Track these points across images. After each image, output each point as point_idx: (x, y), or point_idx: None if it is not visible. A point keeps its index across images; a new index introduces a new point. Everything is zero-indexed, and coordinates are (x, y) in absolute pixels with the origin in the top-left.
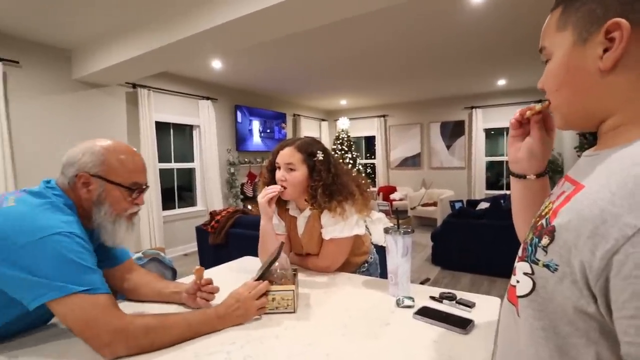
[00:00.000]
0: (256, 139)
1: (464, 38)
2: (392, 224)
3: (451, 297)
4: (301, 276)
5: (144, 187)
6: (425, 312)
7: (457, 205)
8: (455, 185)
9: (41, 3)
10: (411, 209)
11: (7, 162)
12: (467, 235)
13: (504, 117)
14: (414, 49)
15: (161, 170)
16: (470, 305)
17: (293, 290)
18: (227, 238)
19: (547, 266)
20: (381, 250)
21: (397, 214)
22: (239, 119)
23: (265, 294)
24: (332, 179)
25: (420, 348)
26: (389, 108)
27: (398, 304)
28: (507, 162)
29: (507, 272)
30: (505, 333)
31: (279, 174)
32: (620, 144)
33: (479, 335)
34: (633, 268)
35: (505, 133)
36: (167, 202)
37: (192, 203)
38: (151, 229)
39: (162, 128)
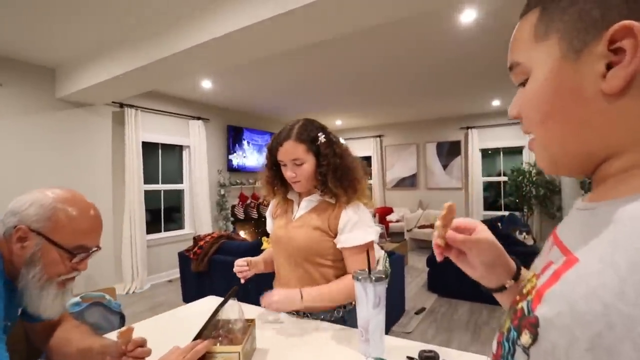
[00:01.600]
0: (249, 160)
1: (458, 59)
2: (383, 251)
3: (433, 358)
4: (262, 325)
5: (92, 250)
6: None
7: None
8: None
9: (23, 21)
10: (407, 231)
11: None
12: None
13: (500, 136)
14: (410, 69)
15: (147, 192)
16: None
17: (239, 352)
18: (210, 265)
19: None
20: None
21: (368, 255)
22: (232, 140)
23: (207, 357)
24: (340, 160)
25: None
26: (384, 128)
27: None
28: (504, 182)
29: None
30: None
31: (287, 173)
32: (626, 195)
33: None
34: None
35: (502, 153)
36: (154, 224)
37: (180, 226)
38: (133, 254)
39: (150, 148)
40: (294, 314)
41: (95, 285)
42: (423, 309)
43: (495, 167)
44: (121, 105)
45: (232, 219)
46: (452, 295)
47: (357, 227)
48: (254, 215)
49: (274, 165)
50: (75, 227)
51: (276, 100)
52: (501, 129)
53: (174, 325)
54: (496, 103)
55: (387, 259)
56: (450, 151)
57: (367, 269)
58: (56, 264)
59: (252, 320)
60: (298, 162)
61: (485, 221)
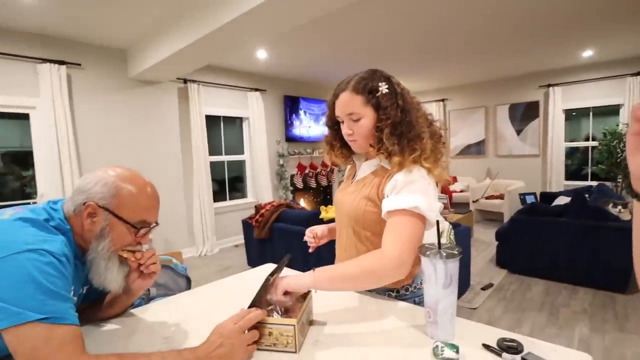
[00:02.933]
0: (306, 130)
1: (540, 3)
2: (448, 223)
3: (515, 349)
4: (318, 299)
5: (152, 226)
6: None
7: (529, 198)
8: (526, 176)
9: (91, 6)
10: (473, 201)
11: (73, 159)
12: (541, 235)
13: (590, 94)
14: (477, 21)
15: (212, 163)
16: None
17: (294, 325)
18: (271, 232)
19: None
20: None
21: (438, 228)
22: (288, 110)
23: (260, 326)
24: (402, 115)
25: None
26: (449, 91)
27: (435, 354)
28: (593, 148)
29: (592, 280)
30: None
31: (344, 130)
32: None
33: None
34: None
35: (591, 113)
36: (220, 193)
37: (243, 195)
38: (203, 221)
39: (212, 121)
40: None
41: (172, 247)
42: (490, 285)
43: (581, 131)
44: (185, 81)
45: (291, 188)
46: (525, 273)
47: (404, 190)
48: (313, 184)
49: (334, 123)
50: (137, 204)
51: (332, 66)
52: (591, 86)
53: (237, 289)
54: (588, 54)
55: (452, 231)
56: (525, 114)
57: (436, 243)
58: (123, 237)
59: (309, 292)
60: (354, 116)
61: (568, 191)
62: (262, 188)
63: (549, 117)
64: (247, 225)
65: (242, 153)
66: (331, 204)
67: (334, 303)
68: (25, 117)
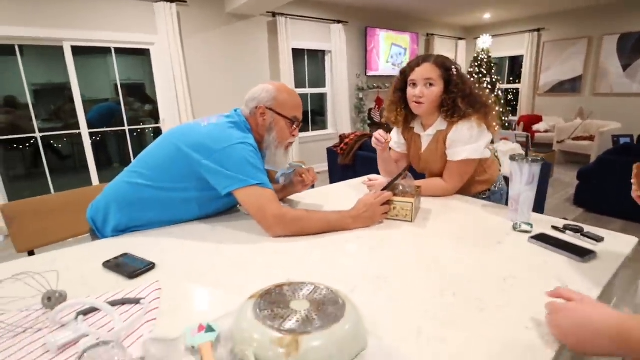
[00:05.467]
0: (385, 64)
1: None
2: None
3: (576, 229)
4: (424, 199)
5: (300, 121)
6: (542, 238)
7: (623, 140)
8: (626, 117)
9: None
10: (558, 142)
11: (186, 91)
12: (628, 177)
13: None
14: None
15: None
16: (597, 239)
17: (412, 202)
18: (354, 159)
19: None
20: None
21: (527, 141)
22: (369, 43)
23: (389, 202)
24: (470, 90)
25: (528, 266)
26: (546, 19)
27: (515, 228)
28: None
29: None
30: None
31: (415, 91)
32: None
33: (597, 267)
34: None
35: None
36: (303, 125)
37: (324, 127)
38: (291, 148)
39: (297, 54)
40: None
41: None
42: (564, 219)
43: None
44: (273, 15)
45: (368, 121)
46: (603, 212)
47: (458, 144)
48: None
49: (401, 89)
50: (291, 104)
51: None
52: None
53: (353, 189)
54: None
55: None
56: (638, 46)
57: (523, 153)
58: (284, 130)
59: (420, 187)
60: (431, 81)
61: None
62: (342, 120)
63: None
64: (331, 153)
65: (324, 86)
66: None
67: (435, 200)
68: (144, 52)
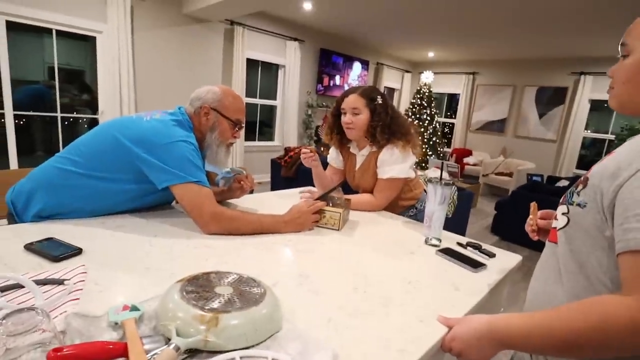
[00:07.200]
0: (336, 85)
1: None
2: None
3: (475, 246)
4: (356, 213)
5: (242, 125)
6: (447, 252)
7: (535, 178)
8: (539, 159)
9: None
10: (483, 175)
11: (131, 86)
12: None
13: None
14: None
15: (247, 105)
16: (490, 255)
17: (340, 212)
18: (297, 173)
19: (578, 205)
20: None
21: (443, 165)
22: (323, 63)
23: (320, 212)
24: (390, 120)
25: (432, 273)
26: (480, 65)
27: (426, 241)
28: (610, 141)
29: None
30: (543, 265)
31: (345, 118)
32: None
33: (485, 275)
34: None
35: None
36: (249, 134)
37: (271, 138)
38: (234, 156)
39: (251, 65)
40: None
41: None
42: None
43: (602, 123)
44: (232, 23)
45: (315, 138)
46: (514, 241)
47: (386, 164)
48: None
49: (338, 113)
50: (235, 107)
51: (370, 26)
52: None
53: (290, 198)
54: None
55: (456, 192)
56: (552, 99)
57: (438, 177)
58: (226, 130)
59: (349, 200)
60: (356, 111)
61: (570, 177)
62: (289, 134)
63: (574, 105)
64: (275, 164)
65: (275, 99)
66: None
67: (363, 214)
68: (88, 39)
